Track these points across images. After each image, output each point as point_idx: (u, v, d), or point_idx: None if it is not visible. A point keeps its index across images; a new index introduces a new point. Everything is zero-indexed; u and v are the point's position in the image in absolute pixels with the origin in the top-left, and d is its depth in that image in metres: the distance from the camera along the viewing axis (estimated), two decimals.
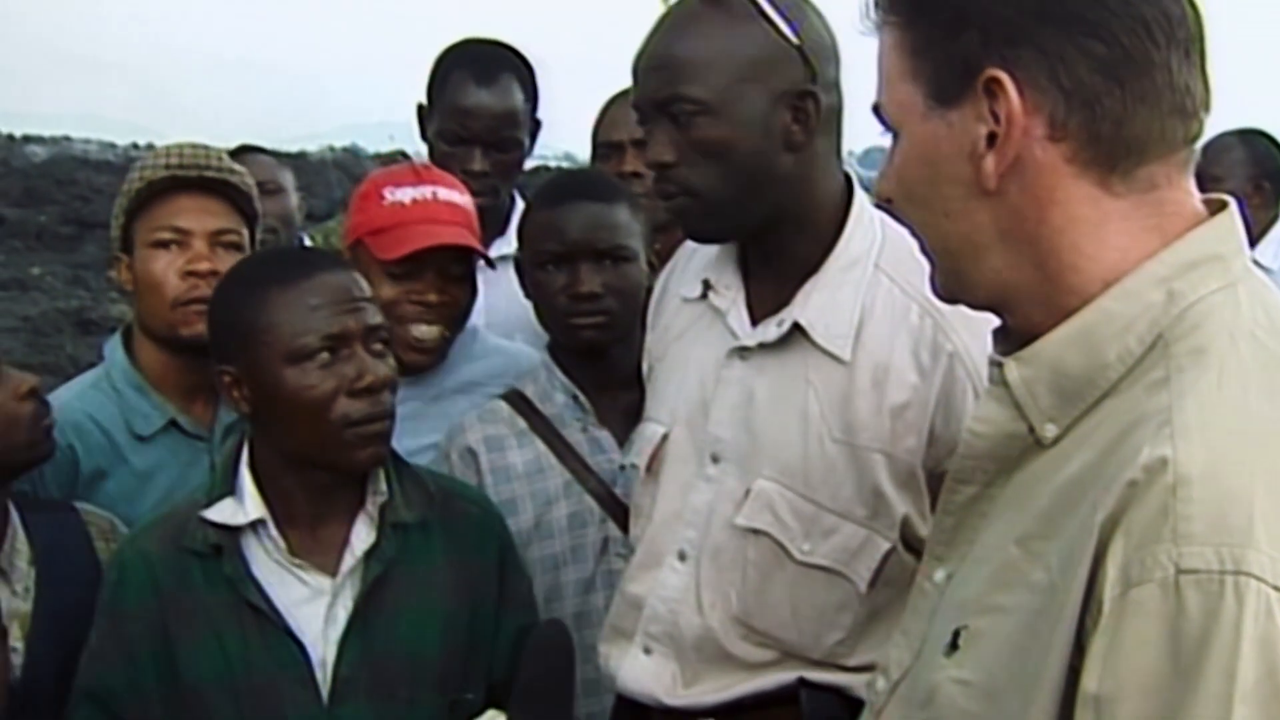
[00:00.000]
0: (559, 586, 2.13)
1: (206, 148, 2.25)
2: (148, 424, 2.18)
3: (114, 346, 2.26)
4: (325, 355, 1.76)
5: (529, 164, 2.95)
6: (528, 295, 2.24)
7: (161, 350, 2.21)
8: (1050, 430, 1.12)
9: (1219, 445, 0.98)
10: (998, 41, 1.09)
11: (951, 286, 1.21)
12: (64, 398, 2.17)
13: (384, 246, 2.19)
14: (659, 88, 1.73)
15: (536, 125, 2.80)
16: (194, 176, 2.19)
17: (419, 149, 2.91)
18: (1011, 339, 1.17)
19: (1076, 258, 1.11)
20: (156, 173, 2.18)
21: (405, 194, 2.24)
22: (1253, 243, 3.91)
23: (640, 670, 1.86)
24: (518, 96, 2.70)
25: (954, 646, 1.12)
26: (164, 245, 2.17)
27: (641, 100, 1.77)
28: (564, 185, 2.25)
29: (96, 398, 2.19)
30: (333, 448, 1.77)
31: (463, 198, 2.28)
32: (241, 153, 3.83)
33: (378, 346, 1.81)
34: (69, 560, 1.92)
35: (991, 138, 1.10)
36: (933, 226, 1.18)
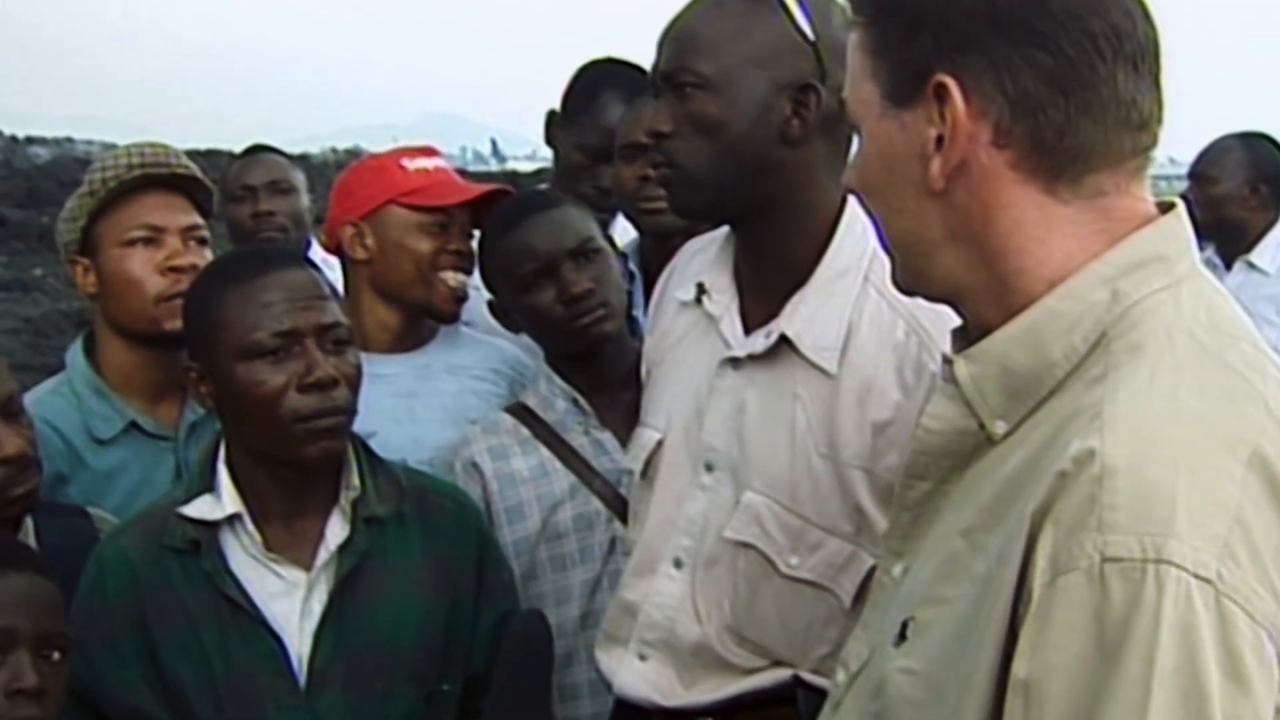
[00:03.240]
0: (568, 588, 2.15)
1: (166, 145, 2.29)
2: (108, 427, 2.20)
3: (75, 351, 2.28)
4: (276, 352, 1.79)
5: (533, 166, 3.00)
6: (514, 329, 2.29)
7: (132, 349, 2.24)
8: (1000, 427, 1.14)
9: (1145, 437, 1.01)
10: (949, 47, 1.11)
11: (908, 280, 1.24)
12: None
13: (430, 198, 2.33)
14: (669, 59, 1.76)
15: None
16: (165, 174, 2.22)
17: None
18: (970, 337, 1.20)
19: (1022, 260, 1.13)
20: (125, 172, 2.20)
21: (426, 163, 2.40)
22: (1250, 246, 3.92)
23: (636, 676, 1.86)
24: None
25: (902, 637, 1.15)
26: (137, 244, 2.19)
27: (655, 71, 1.80)
28: (505, 212, 2.27)
29: (55, 403, 2.21)
30: (284, 443, 1.80)
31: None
32: (255, 151, 3.83)
33: (333, 344, 1.83)
34: (79, 564, 1.93)
35: (940, 140, 1.13)
36: (888, 222, 1.21)
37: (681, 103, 1.75)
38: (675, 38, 1.77)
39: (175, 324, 2.15)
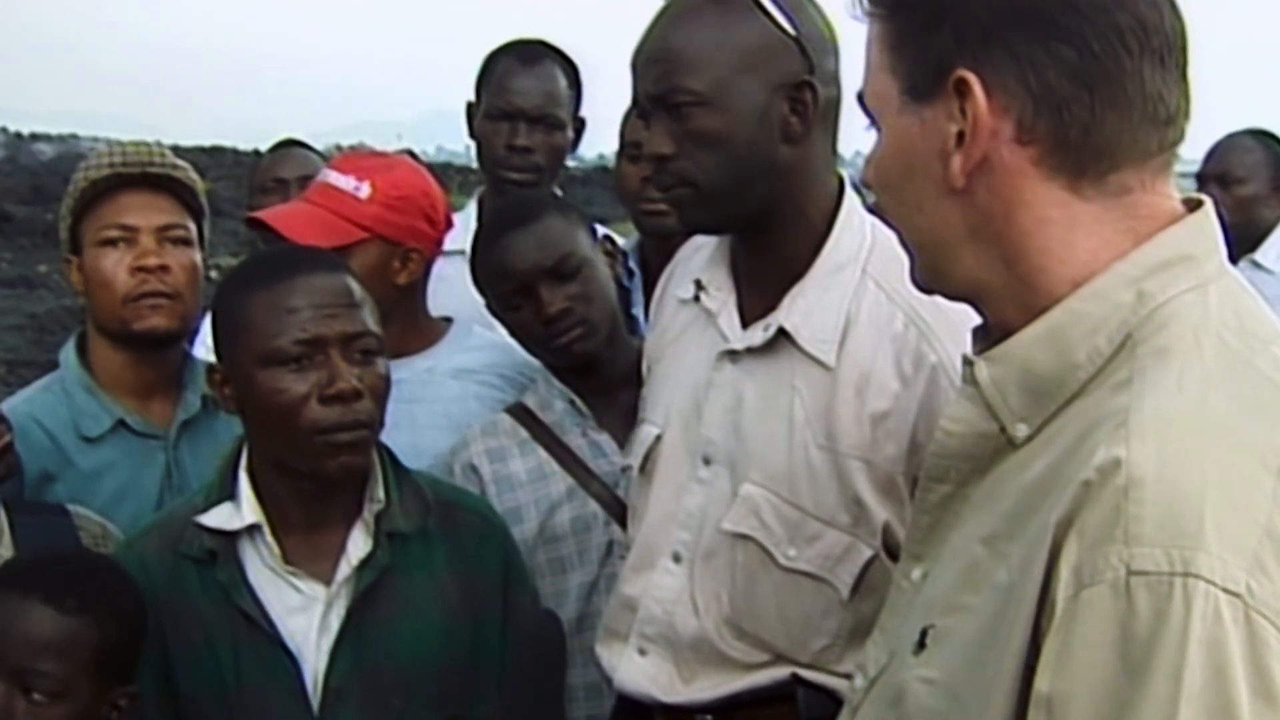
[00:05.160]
0: (565, 591, 2.14)
1: (149, 144, 2.28)
2: (96, 425, 2.18)
3: (68, 349, 2.27)
4: (299, 360, 1.73)
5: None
6: (514, 336, 2.27)
7: (116, 348, 2.22)
8: (1022, 430, 1.12)
9: (1172, 446, 0.98)
10: (971, 42, 1.09)
11: (927, 278, 1.21)
12: (12, 402, 2.19)
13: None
14: (656, 81, 1.74)
15: (581, 123, 2.91)
16: (138, 173, 2.20)
17: (425, 148, 2.93)
18: (991, 337, 1.17)
19: (1045, 259, 1.11)
20: (100, 172, 2.19)
21: (323, 175, 2.32)
22: (1256, 244, 3.88)
23: (637, 671, 1.86)
24: (560, 81, 2.83)
25: (922, 645, 1.12)
26: (112, 243, 2.18)
27: (640, 94, 1.77)
28: (491, 226, 2.25)
29: (46, 401, 2.20)
30: (304, 454, 1.74)
31: (345, 180, 2.26)
32: (285, 146, 3.82)
33: (360, 354, 1.76)
34: None
35: (961, 137, 1.10)
36: (907, 219, 1.19)
37: (679, 122, 1.72)
38: (656, 58, 1.74)
39: (144, 325, 2.16)
